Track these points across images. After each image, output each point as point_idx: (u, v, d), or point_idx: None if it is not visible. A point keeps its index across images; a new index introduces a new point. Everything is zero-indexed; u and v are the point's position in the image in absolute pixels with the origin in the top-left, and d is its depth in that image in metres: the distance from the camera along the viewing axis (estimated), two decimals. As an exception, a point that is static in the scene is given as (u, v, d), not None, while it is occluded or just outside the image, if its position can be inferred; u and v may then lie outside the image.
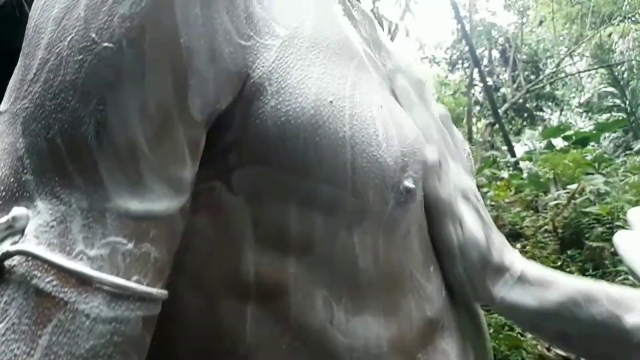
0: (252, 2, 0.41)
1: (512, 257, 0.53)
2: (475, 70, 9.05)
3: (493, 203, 5.26)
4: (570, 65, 11.04)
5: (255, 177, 0.40)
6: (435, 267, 0.49)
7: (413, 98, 0.52)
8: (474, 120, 11.42)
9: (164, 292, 0.36)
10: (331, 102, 0.40)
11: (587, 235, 4.16)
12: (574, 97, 11.96)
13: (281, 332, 0.40)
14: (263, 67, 0.39)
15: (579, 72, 10.95)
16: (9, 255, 0.32)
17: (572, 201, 4.40)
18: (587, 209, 4.24)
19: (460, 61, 11.49)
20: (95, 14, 0.34)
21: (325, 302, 0.41)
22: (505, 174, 6.67)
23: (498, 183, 6.05)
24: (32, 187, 0.34)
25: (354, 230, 0.42)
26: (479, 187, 5.44)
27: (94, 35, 0.34)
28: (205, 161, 0.39)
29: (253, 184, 0.40)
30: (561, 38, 11.36)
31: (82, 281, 0.32)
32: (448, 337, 0.47)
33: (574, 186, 4.67)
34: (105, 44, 0.34)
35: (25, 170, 0.34)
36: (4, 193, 0.34)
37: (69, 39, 0.34)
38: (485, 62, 11.68)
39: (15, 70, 0.37)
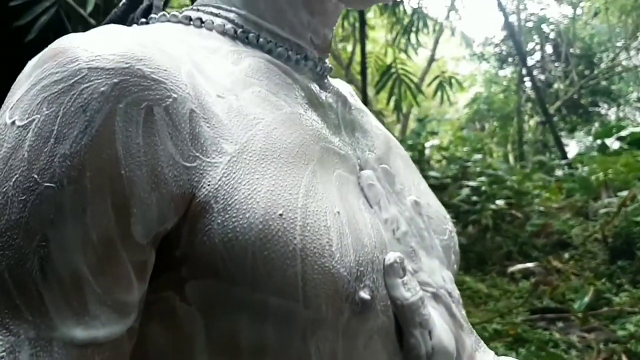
0: (199, 123, 0.41)
1: (482, 358, 0.52)
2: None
3: (542, 208, 5.12)
4: (627, 59, 10.60)
5: (206, 288, 0.40)
6: None
7: (381, 192, 0.51)
8: (525, 118, 11.13)
9: None
10: (281, 214, 0.40)
11: (638, 245, 3.99)
12: (632, 92, 11.48)
13: None
14: (209, 185, 0.40)
15: (636, 66, 10.50)
16: None
17: (623, 209, 4.23)
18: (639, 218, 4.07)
19: (510, 58, 11.21)
20: (37, 155, 0.36)
21: None
22: (559, 172, 6.48)
23: (549, 186, 5.89)
24: None
25: (309, 338, 0.41)
26: (526, 193, 5.31)
27: (36, 175, 0.36)
28: (159, 273, 0.41)
29: (205, 295, 0.40)
30: (617, 30, 10.92)
31: None
32: None
33: (625, 193, 4.48)
34: (47, 184, 0.36)
35: None
36: None
37: (13, 179, 0.37)
38: (537, 57, 11.36)
39: None
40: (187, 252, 0.40)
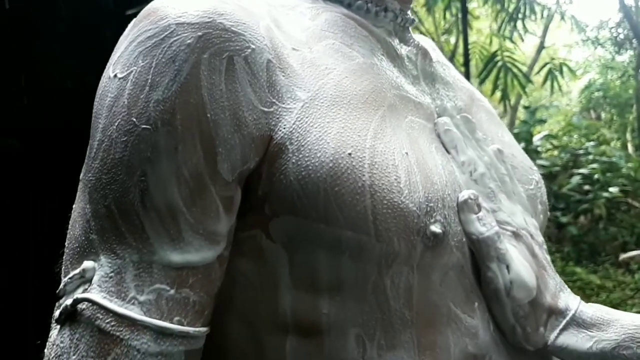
0: (275, 72, 0.46)
1: (567, 299, 0.51)
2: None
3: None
4: None
5: (287, 225, 0.44)
6: (480, 304, 0.49)
7: (458, 137, 0.53)
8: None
9: (202, 329, 0.43)
10: (350, 154, 0.43)
11: None
12: None
13: None
14: (284, 128, 0.44)
15: None
16: (78, 301, 0.41)
17: None
18: None
19: (627, 41, 10.54)
20: (135, 101, 0.42)
21: (357, 339, 0.44)
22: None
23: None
24: (97, 244, 0.42)
25: (384, 272, 0.44)
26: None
27: (134, 119, 0.41)
28: (246, 212, 0.45)
29: (286, 232, 0.44)
30: None
31: (134, 322, 0.40)
32: None
33: None
34: (143, 126, 0.41)
35: (92, 231, 0.42)
36: (79, 249, 0.43)
37: (116, 124, 0.42)
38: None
39: (88, 146, 0.45)
40: (267, 190, 0.44)
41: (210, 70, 0.42)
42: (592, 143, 5.80)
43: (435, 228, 0.45)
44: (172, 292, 0.41)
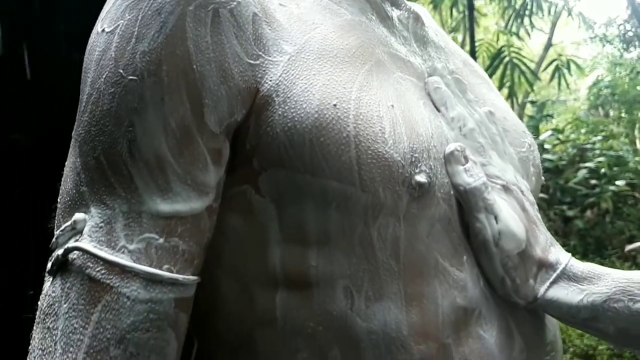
0: (261, 25, 0.46)
1: (558, 253, 0.51)
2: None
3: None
4: None
5: (275, 179, 0.45)
6: (469, 258, 0.49)
7: (448, 94, 0.53)
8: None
9: (192, 277, 0.43)
10: (335, 105, 0.44)
11: None
12: None
13: (306, 317, 0.45)
14: (271, 81, 0.45)
15: None
16: (69, 250, 0.41)
17: None
18: None
19: (636, 38, 10.52)
20: (122, 53, 0.42)
21: (345, 291, 0.45)
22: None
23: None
24: (87, 196, 0.42)
25: (371, 223, 0.45)
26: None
27: (121, 70, 0.42)
28: (235, 168, 0.46)
29: (275, 186, 0.45)
30: None
31: (123, 270, 0.40)
32: (487, 325, 0.48)
33: None
34: (130, 77, 0.42)
35: (82, 183, 0.43)
36: (70, 202, 0.43)
37: (104, 76, 0.43)
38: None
39: (79, 102, 0.45)
40: (255, 143, 0.45)
41: (195, 22, 0.43)
42: (599, 137, 5.82)
43: (420, 178, 0.45)
44: (161, 240, 0.41)
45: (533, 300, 0.50)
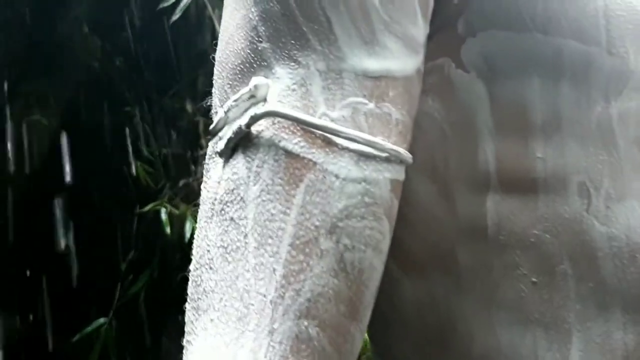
0: None
1: None
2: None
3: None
4: None
5: (487, 46, 0.36)
6: None
7: None
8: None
9: (410, 155, 0.34)
10: None
11: None
12: None
13: (528, 224, 0.36)
14: None
15: None
16: (256, 118, 0.32)
17: None
18: None
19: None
20: None
21: (580, 188, 0.36)
22: None
23: None
24: (269, 54, 0.34)
25: (612, 100, 0.36)
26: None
27: None
28: (431, 33, 0.37)
29: (486, 56, 0.37)
30: None
31: (328, 142, 0.32)
32: None
33: None
34: None
35: (260, 39, 0.34)
36: (242, 66, 0.34)
37: None
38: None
39: None
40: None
41: None
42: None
43: None
44: (370, 106, 0.33)
45: None
